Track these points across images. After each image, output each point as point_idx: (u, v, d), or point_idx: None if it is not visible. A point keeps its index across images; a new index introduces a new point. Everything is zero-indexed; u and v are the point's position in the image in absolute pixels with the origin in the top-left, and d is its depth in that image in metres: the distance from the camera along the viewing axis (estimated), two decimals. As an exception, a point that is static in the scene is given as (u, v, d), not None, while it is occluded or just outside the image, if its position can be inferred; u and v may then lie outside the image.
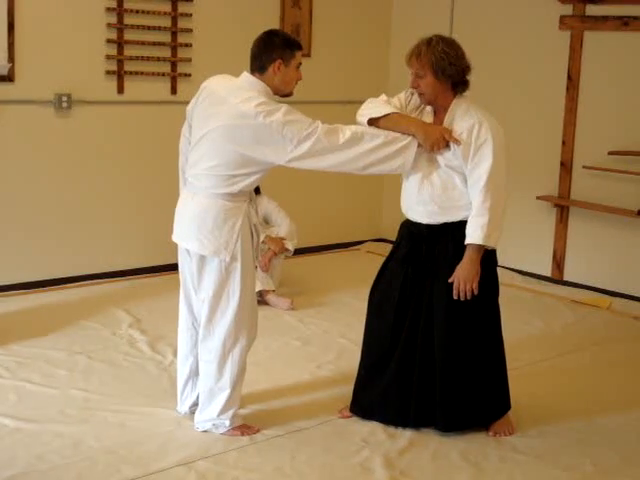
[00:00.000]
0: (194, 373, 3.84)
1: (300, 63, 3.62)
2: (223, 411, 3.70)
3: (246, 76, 3.59)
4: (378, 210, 7.63)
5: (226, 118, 3.47)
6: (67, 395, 4.12)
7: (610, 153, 5.90)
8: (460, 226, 3.65)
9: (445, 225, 3.70)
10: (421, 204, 3.74)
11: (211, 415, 3.71)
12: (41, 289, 5.81)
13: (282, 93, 3.60)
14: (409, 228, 3.84)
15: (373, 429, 3.84)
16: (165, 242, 6.37)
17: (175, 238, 3.79)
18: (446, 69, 3.56)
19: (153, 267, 6.31)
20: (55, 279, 5.90)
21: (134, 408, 3.99)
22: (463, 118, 3.61)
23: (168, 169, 6.30)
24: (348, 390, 4.24)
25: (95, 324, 5.16)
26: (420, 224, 3.77)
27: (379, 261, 7.09)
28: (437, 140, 3.56)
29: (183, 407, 3.91)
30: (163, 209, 6.34)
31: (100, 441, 3.64)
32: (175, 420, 3.87)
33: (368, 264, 6.71)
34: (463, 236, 3.61)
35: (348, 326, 5.25)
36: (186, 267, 3.78)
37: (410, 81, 3.67)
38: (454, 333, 3.70)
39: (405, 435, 3.79)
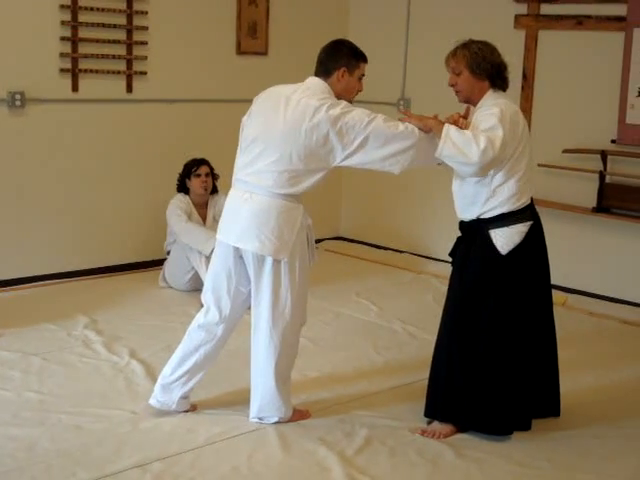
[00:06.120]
0: (198, 368, 3.86)
1: (363, 75, 3.74)
2: (285, 401, 3.82)
3: (312, 78, 3.72)
4: (337, 209, 7.64)
5: (290, 113, 3.57)
6: (21, 397, 4.07)
7: (565, 151, 5.97)
8: (474, 224, 3.74)
9: (470, 222, 3.79)
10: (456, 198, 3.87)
11: (277, 407, 3.80)
12: (-5, 290, 5.74)
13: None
14: None
15: (330, 428, 3.84)
16: (121, 242, 6.35)
17: (224, 238, 3.77)
18: (481, 63, 3.67)
19: (109, 267, 6.26)
20: (9, 279, 5.82)
21: (89, 410, 3.95)
22: (484, 107, 3.68)
23: (123, 168, 6.27)
24: (305, 389, 4.25)
25: (50, 325, 5.09)
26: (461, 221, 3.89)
27: (338, 259, 7.18)
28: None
29: (167, 397, 3.87)
30: (117, 209, 6.30)
31: (55, 444, 3.61)
32: (131, 422, 3.84)
33: (327, 262, 6.73)
34: (478, 236, 3.73)
35: (306, 324, 5.24)
36: (225, 266, 3.78)
37: (448, 79, 3.77)
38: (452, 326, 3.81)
39: (362, 433, 3.79)
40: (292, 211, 3.66)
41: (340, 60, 3.68)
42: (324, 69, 3.70)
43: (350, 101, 3.70)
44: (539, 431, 3.87)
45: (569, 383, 4.20)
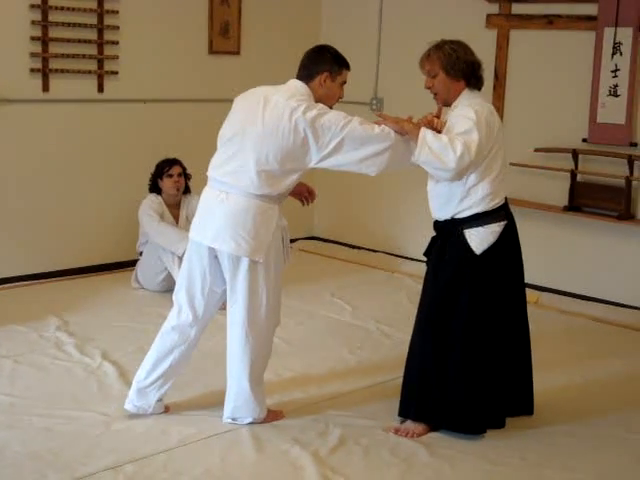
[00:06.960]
0: (172, 370, 3.83)
1: (345, 82, 3.73)
2: (259, 402, 3.81)
3: (293, 81, 3.70)
4: (310, 208, 7.58)
5: (268, 114, 3.55)
6: (-8, 400, 4.03)
7: (536, 150, 6.00)
8: (449, 224, 3.75)
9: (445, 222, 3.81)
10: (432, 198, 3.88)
11: (251, 408, 3.79)
12: (-35, 292, 5.68)
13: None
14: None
15: (304, 428, 3.84)
16: (93, 242, 6.30)
17: (199, 237, 3.74)
18: (455, 64, 3.67)
19: (80, 268, 6.22)
20: (-20, 282, 5.78)
21: (61, 412, 3.91)
22: (459, 107, 3.69)
23: (95, 168, 6.23)
24: (278, 389, 4.24)
25: (21, 327, 5.05)
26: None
27: (312, 259, 7.18)
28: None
29: (144, 402, 3.84)
30: (89, 209, 6.26)
31: (26, 446, 3.57)
32: (103, 423, 3.81)
33: (301, 262, 6.73)
34: (451, 235, 3.75)
35: (279, 324, 5.23)
36: (200, 265, 3.76)
37: (424, 82, 3.78)
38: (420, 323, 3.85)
39: (335, 433, 3.79)
40: (268, 212, 3.66)
41: (323, 65, 3.66)
42: (306, 73, 3.69)
43: (330, 107, 3.69)
44: (512, 429, 3.88)
45: (541, 381, 4.22)
